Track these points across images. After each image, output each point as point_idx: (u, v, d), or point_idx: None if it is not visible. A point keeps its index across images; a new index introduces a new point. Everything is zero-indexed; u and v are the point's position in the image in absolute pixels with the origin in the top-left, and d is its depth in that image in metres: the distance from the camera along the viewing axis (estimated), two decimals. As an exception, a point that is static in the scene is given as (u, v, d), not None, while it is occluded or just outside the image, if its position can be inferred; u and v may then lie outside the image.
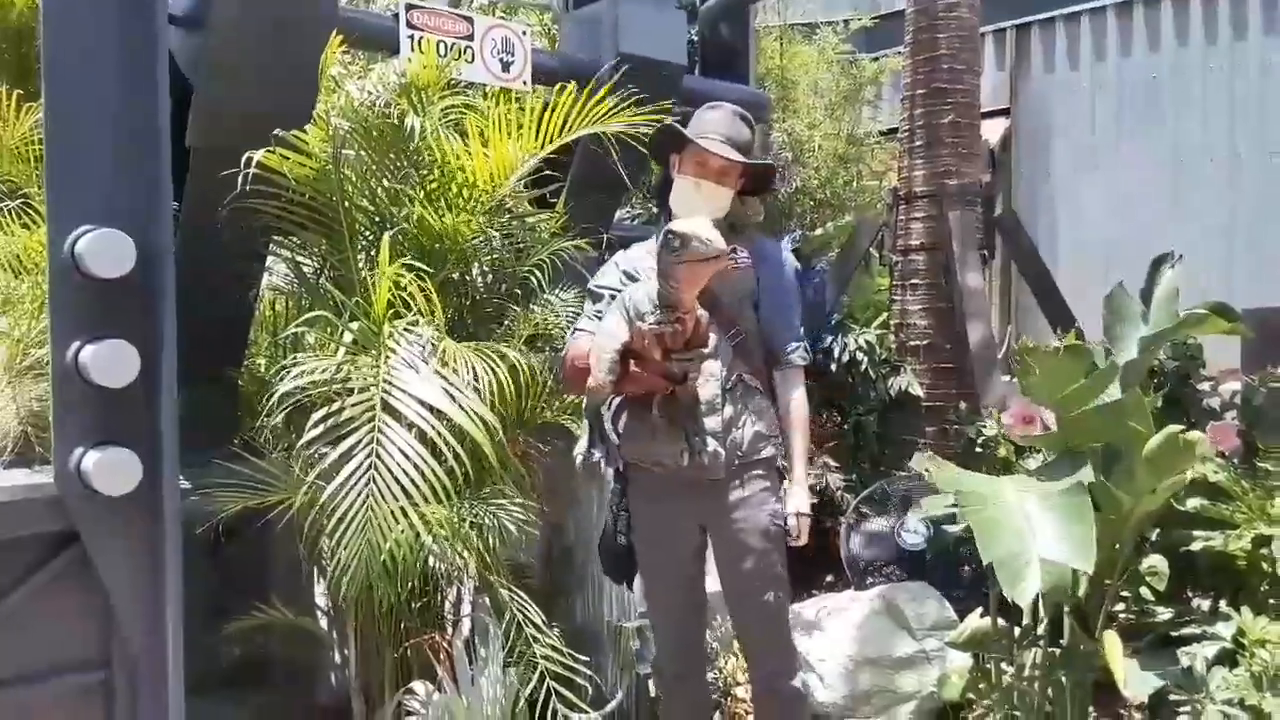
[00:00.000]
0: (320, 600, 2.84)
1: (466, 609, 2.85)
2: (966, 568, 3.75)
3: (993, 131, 7.78)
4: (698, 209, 2.47)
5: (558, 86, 2.76)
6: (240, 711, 2.70)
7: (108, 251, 1.99)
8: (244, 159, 2.34)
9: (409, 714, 2.44)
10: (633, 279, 2.49)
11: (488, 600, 2.64)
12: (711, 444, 2.40)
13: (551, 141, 2.78)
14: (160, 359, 2.09)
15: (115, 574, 2.11)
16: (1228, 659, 2.53)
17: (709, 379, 2.43)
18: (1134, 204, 7.45)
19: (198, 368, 2.40)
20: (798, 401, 2.57)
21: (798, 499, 2.52)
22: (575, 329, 2.58)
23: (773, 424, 2.56)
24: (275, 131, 2.40)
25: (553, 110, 2.73)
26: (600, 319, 2.46)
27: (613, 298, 2.44)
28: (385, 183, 2.72)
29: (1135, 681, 2.51)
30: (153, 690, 2.14)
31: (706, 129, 2.55)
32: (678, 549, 2.56)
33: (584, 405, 2.45)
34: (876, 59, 7.97)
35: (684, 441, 2.37)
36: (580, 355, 2.41)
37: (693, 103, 4.39)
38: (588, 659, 2.61)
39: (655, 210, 5.26)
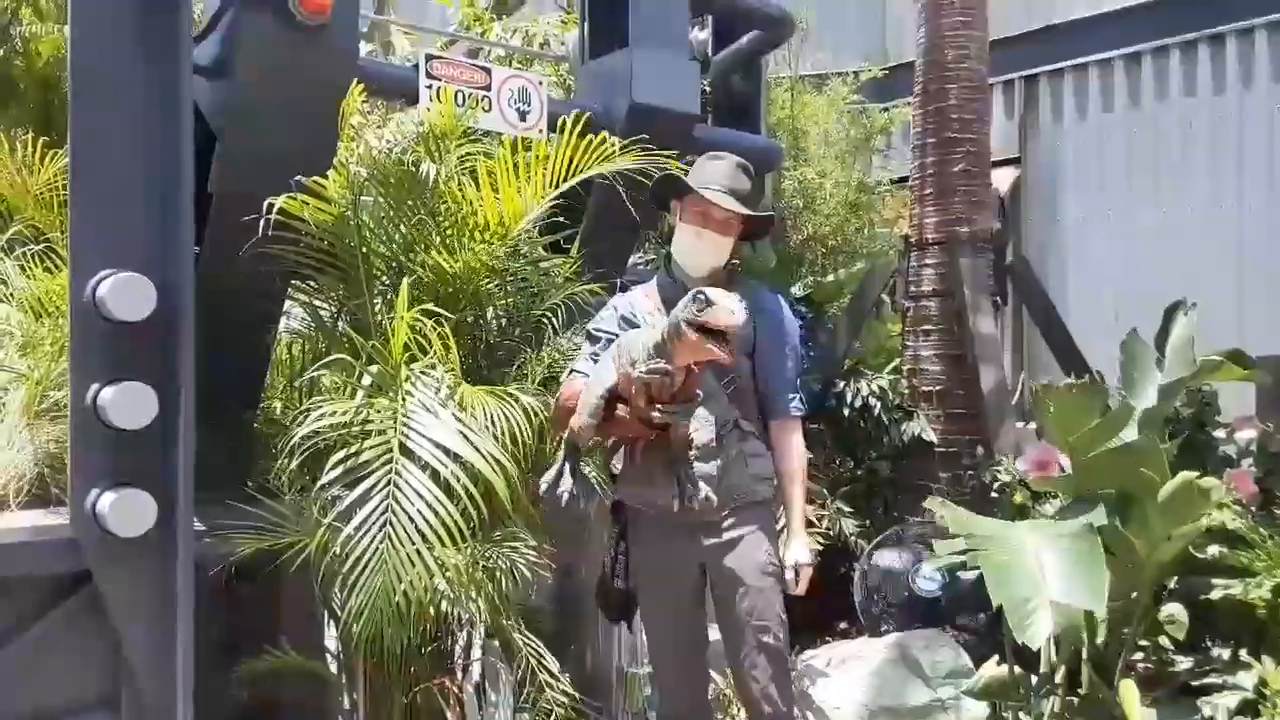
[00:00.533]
0: (330, 644, 2.83)
1: (477, 653, 2.83)
2: (981, 615, 3.71)
3: (1002, 180, 7.82)
4: (700, 256, 2.54)
5: (568, 131, 2.80)
6: (249, 756, 2.68)
7: (129, 295, 2.03)
8: (265, 204, 2.38)
9: (419, 760, 2.41)
10: (630, 323, 2.52)
11: (498, 644, 2.62)
12: (704, 489, 2.40)
13: (559, 184, 2.81)
14: (178, 401, 2.12)
15: (127, 615, 2.12)
16: (1249, 709, 2.49)
17: (704, 424, 2.45)
18: (1143, 252, 7.46)
19: (214, 410, 2.42)
20: (795, 452, 2.57)
21: (797, 550, 2.51)
22: (571, 369, 2.60)
23: (768, 467, 2.57)
24: (296, 178, 2.44)
25: (559, 153, 2.77)
26: (595, 361, 2.48)
27: (609, 341, 2.46)
28: (402, 229, 2.75)
29: (1153, 732, 2.48)
30: (162, 732, 2.14)
31: (709, 179, 2.58)
32: (677, 588, 2.55)
33: (565, 440, 2.45)
34: (886, 109, 8.05)
35: (676, 486, 2.37)
36: (572, 396, 2.44)
37: (705, 152, 4.46)
38: (599, 705, 2.58)
39: (668, 255, 5.29)
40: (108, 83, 2.11)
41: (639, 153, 2.82)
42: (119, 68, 2.11)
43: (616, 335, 2.45)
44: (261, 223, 2.37)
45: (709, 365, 2.38)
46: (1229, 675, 2.65)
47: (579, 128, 2.79)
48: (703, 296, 2.07)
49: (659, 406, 2.25)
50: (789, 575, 2.50)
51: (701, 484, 2.39)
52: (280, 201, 2.39)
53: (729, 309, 2.06)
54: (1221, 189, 7.29)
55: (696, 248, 2.55)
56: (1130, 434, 2.58)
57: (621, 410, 2.32)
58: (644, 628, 2.70)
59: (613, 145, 2.80)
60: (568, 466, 2.40)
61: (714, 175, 2.59)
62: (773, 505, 2.59)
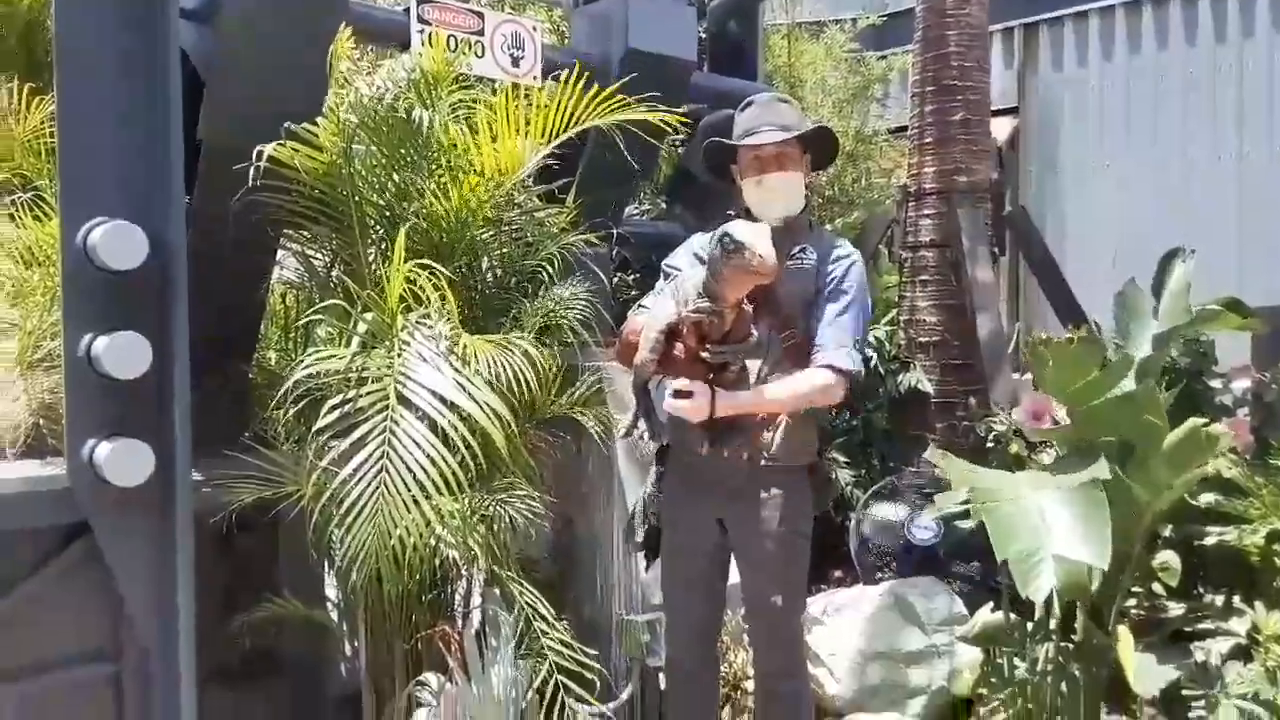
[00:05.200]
0: (331, 593, 2.85)
1: (477, 601, 2.85)
2: (976, 563, 3.74)
3: (1001, 130, 7.76)
4: (770, 205, 2.46)
5: (564, 80, 2.76)
6: (251, 703, 2.71)
7: (120, 243, 2.01)
8: (255, 152, 2.34)
9: (420, 705, 2.44)
10: (702, 261, 2.48)
11: (498, 592, 2.64)
12: (737, 440, 2.36)
13: (557, 135, 2.77)
14: (173, 351, 2.10)
15: (126, 565, 2.12)
16: (1241, 654, 2.52)
17: (751, 377, 2.40)
18: (1142, 201, 7.43)
19: (209, 360, 2.41)
20: (800, 378, 2.40)
21: (699, 389, 2.27)
22: (638, 305, 2.58)
23: (812, 436, 2.53)
24: (285, 125, 2.40)
25: (558, 103, 2.73)
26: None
27: None
28: (395, 177, 2.72)
29: (1146, 677, 2.50)
30: (164, 681, 2.15)
31: (749, 125, 2.53)
32: (696, 541, 2.56)
33: (632, 379, 2.43)
34: (884, 57, 7.96)
35: (708, 432, 2.36)
36: (635, 331, 2.40)
37: (701, 99, 4.41)
38: (596, 652, 2.61)
39: (665, 205, 5.26)
40: (94, 28, 2.06)
41: (638, 105, 2.78)
42: (104, 12, 2.06)
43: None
44: (251, 171, 2.33)
45: (769, 316, 2.36)
46: (1221, 621, 2.67)
47: (578, 78, 2.74)
48: (729, 239, 2.05)
49: (709, 346, 2.23)
50: (676, 386, 2.29)
51: (736, 435, 2.35)
52: (270, 149, 2.35)
53: (757, 252, 2.04)
54: (1222, 139, 7.24)
55: (764, 198, 2.48)
56: (1128, 383, 2.57)
57: (679, 349, 2.29)
58: (662, 570, 2.71)
59: (613, 97, 2.75)
60: (641, 409, 2.40)
61: (751, 121, 2.53)
62: (806, 472, 2.54)
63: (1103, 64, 7.86)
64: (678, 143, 5.03)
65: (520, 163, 2.75)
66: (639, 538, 2.71)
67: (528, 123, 2.74)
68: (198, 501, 2.23)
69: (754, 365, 2.39)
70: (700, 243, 2.55)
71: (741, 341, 2.26)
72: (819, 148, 2.61)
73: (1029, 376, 4.54)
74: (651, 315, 2.35)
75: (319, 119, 2.47)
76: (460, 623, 2.75)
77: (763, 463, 2.44)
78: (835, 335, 2.43)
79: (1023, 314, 7.50)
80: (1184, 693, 2.46)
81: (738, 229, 2.07)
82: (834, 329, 2.44)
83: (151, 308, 2.10)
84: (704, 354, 2.24)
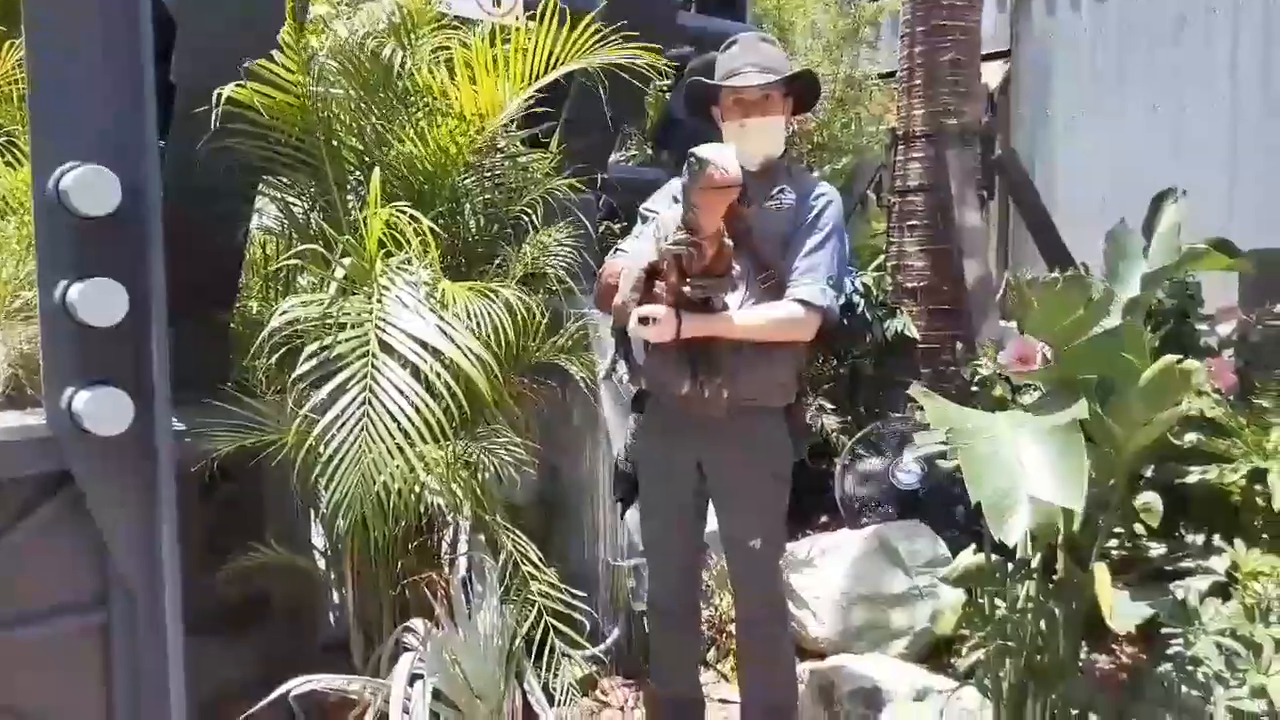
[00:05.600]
0: (317, 540, 2.86)
1: (463, 547, 2.86)
2: (960, 506, 3.77)
3: (993, 74, 7.68)
4: (752, 147, 2.43)
5: (546, 20, 2.70)
6: (240, 650, 2.72)
7: (93, 188, 1.97)
8: (215, 94, 2.29)
9: (407, 651, 2.46)
10: (678, 202, 2.46)
11: (484, 539, 2.65)
12: (717, 377, 2.35)
13: (538, 78, 2.72)
14: (149, 298, 2.07)
15: (110, 514, 2.11)
16: (1220, 592, 2.55)
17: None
18: (1134, 147, 7.39)
19: (188, 308, 2.38)
20: (773, 304, 2.40)
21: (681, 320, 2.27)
22: (616, 248, 2.56)
23: (790, 377, 2.52)
24: (243, 64, 2.35)
25: (537, 45, 2.68)
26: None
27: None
28: (373, 119, 2.67)
29: (1123, 613, 2.53)
30: (151, 630, 2.15)
31: (732, 66, 2.49)
32: (676, 486, 2.57)
33: (611, 322, 2.42)
34: (875, -1, 7.85)
35: (690, 367, 2.35)
36: (613, 274, 2.39)
37: (690, 42, 4.34)
38: (584, 595, 2.63)
39: (651, 151, 5.21)
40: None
41: (621, 45, 2.72)
42: (72, -48, 2.00)
43: None
44: (216, 114, 2.28)
45: (748, 256, 2.35)
46: (1201, 560, 2.70)
47: (560, 18, 2.68)
48: (694, 159, 2.04)
49: (689, 280, 2.23)
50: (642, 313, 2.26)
51: (717, 374, 2.34)
52: (229, 90, 2.30)
53: (720, 167, 2.02)
54: (1214, 84, 7.18)
55: (745, 140, 2.44)
56: (1112, 322, 2.56)
57: (659, 287, 2.28)
58: (641, 515, 2.72)
59: (593, 37, 2.70)
60: (620, 353, 2.41)
61: (733, 62, 2.50)
62: (785, 414, 2.53)
63: (1095, 6, 7.76)
64: (665, 88, 4.96)
65: (500, 106, 2.70)
66: (613, 486, 2.71)
67: (507, 64, 2.69)
68: (180, 450, 2.21)
69: (733, 305, 2.38)
70: (678, 186, 2.53)
71: (722, 275, 2.25)
72: (801, 91, 2.57)
73: (1015, 324, 4.55)
74: (631, 256, 2.34)
75: (275, 54, 2.40)
76: (447, 569, 2.77)
77: (742, 404, 2.42)
78: (808, 270, 2.42)
79: (1011, 259, 7.48)
80: (1164, 630, 2.49)
81: (702, 149, 2.06)
82: (806, 264, 2.43)
83: (126, 254, 2.06)
84: (685, 288, 2.23)
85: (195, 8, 2.40)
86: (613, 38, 2.72)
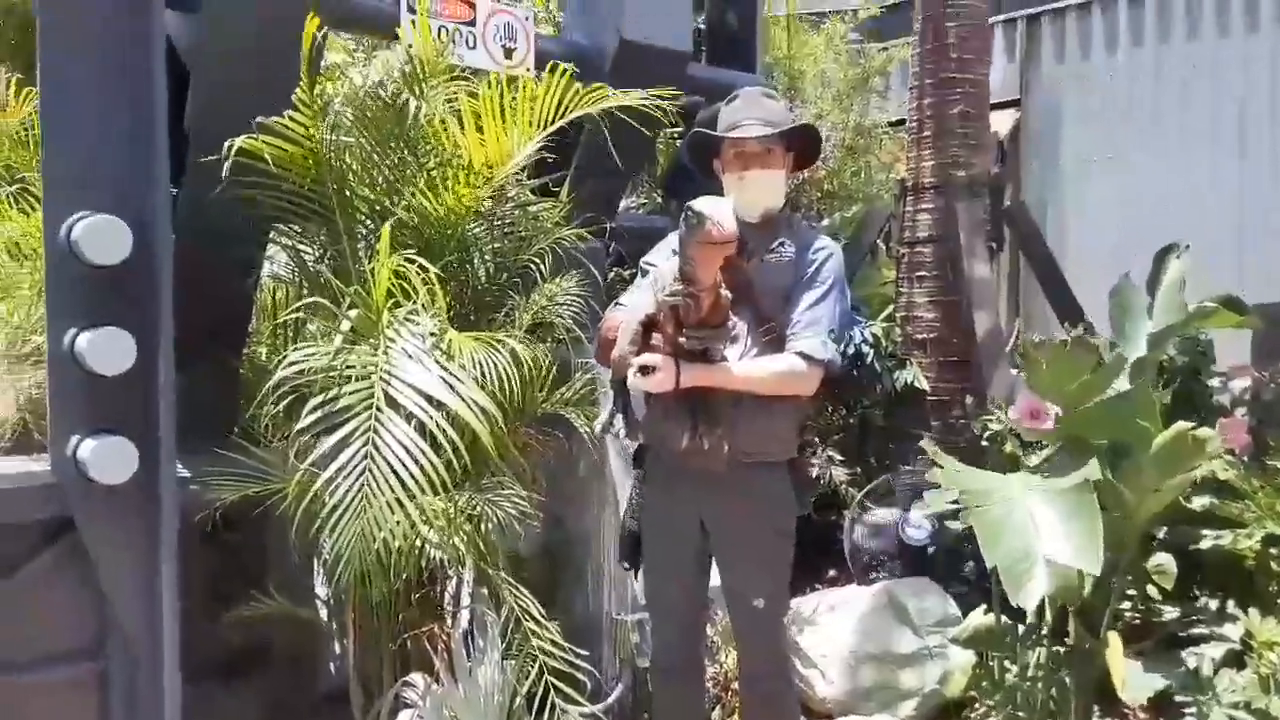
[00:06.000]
0: (320, 590, 2.83)
1: (466, 600, 2.83)
2: (970, 563, 3.72)
3: (1002, 123, 7.72)
4: (751, 200, 2.44)
5: (553, 69, 2.72)
6: (239, 701, 2.69)
7: (104, 238, 1.98)
8: (226, 145, 2.31)
9: (407, 706, 2.42)
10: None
11: (486, 591, 2.62)
12: (716, 429, 2.33)
13: (547, 125, 2.74)
14: (157, 347, 2.07)
15: (111, 562, 2.10)
16: (1235, 661, 2.50)
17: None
18: (1143, 197, 7.40)
19: (197, 356, 2.39)
20: (773, 356, 2.39)
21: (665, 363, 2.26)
22: (616, 302, 2.56)
23: (791, 431, 2.50)
24: (257, 119, 2.36)
25: (547, 92, 2.70)
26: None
27: None
28: (385, 170, 2.69)
29: (1136, 684, 2.48)
30: (149, 679, 2.13)
31: (734, 119, 2.51)
32: (678, 542, 2.54)
33: (610, 375, 2.41)
34: (885, 49, 7.90)
35: (689, 419, 2.33)
36: (612, 327, 2.39)
37: (697, 91, 4.37)
38: (587, 653, 2.59)
39: (661, 200, 5.23)
40: (77, 18, 2.03)
41: (632, 92, 2.74)
42: (90, 2, 2.03)
43: None
44: (228, 165, 2.29)
45: (748, 309, 2.35)
46: (1216, 626, 2.66)
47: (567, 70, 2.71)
48: (691, 213, 2.04)
49: (686, 331, 2.22)
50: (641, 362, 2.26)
51: (716, 428, 2.32)
52: (240, 141, 2.31)
53: (717, 222, 2.02)
54: (1223, 134, 7.20)
55: (745, 194, 2.44)
56: (1122, 384, 2.55)
57: (656, 339, 2.28)
58: (643, 572, 2.69)
59: (603, 89, 2.72)
60: (618, 407, 2.41)
61: (735, 115, 2.51)
62: (786, 469, 2.50)
63: (1106, 57, 7.81)
64: (674, 136, 4.99)
65: (508, 155, 2.71)
66: (618, 547, 2.68)
67: (515, 113, 2.70)
68: (184, 498, 2.20)
69: (733, 358, 2.37)
70: (676, 238, 2.54)
71: (719, 327, 2.24)
72: (803, 146, 2.59)
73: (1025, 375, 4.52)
74: (629, 309, 2.34)
75: (291, 111, 2.42)
76: (449, 622, 2.73)
77: (742, 458, 2.39)
78: (810, 324, 2.41)
79: (1022, 310, 7.47)
80: (1177, 699, 2.44)
81: (698, 202, 2.06)
82: (808, 317, 2.41)
83: (136, 303, 2.07)
84: (681, 339, 2.22)
85: (210, 58, 2.43)
86: (619, 87, 2.74)
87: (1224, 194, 7.10)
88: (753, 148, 2.46)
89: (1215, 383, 3.66)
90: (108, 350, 1.99)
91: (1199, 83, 7.33)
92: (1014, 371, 4.52)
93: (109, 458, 2.00)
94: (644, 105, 2.72)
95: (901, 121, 5.78)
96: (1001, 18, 7.77)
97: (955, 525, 3.55)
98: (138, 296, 2.06)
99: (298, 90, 2.32)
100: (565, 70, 2.66)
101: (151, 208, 2.07)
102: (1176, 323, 2.88)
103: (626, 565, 2.69)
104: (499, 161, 2.71)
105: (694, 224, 2.04)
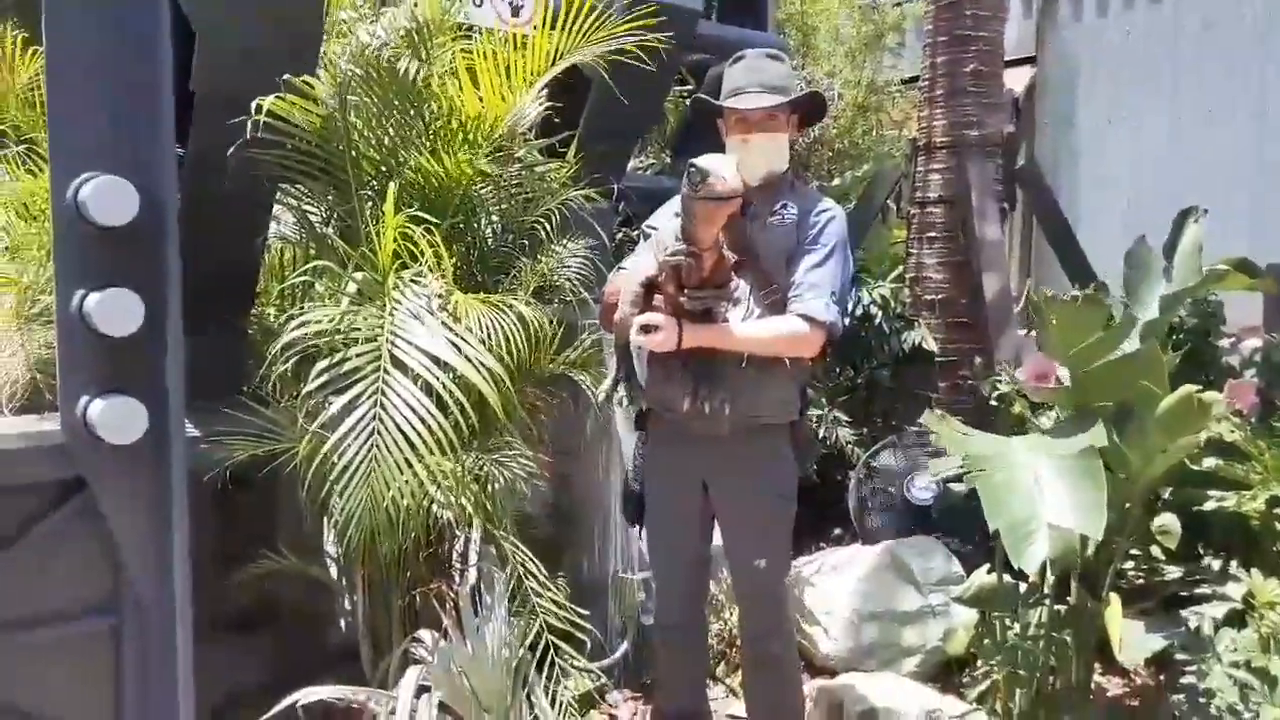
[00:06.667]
0: (330, 548, 2.86)
1: (473, 558, 2.86)
2: (975, 523, 3.74)
3: (1018, 81, 7.62)
4: (754, 164, 2.42)
5: (544, 14, 2.69)
6: (250, 655, 2.73)
7: (110, 199, 1.98)
8: (252, 105, 2.30)
9: (415, 661, 2.46)
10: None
11: (493, 550, 2.65)
12: (719, 393, 2.35)
13: (542, 74, 2.71)
14: (165, 307, 2.08)
15: (123, 521, 2.12)
16: (1236, 620, 2.52)
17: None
18: (1160, 157, 7.31)
19: (205, 316, 2.40)
20: (776, 318, 2.38)
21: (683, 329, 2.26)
22: (618, 267, 2.56)
23: (794, 394, 2.50)
24: (284, 76, 2.36)
25: (540, 39, 2.66)
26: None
27: None
28: (390, 130, 2.68)
29: (1133, 645, 2.50)
30: (161, 635, 2.17)
31: (737, 83, 2.49)
32: (680, 503, 2.56)
33: (614, 341, 2.42)
34: (899, 4, 7.80)
35: (691, 383, 2.34)
36: (614, 292, 2.40)
37: (708, 49, 4.33)
38: (589, 612, 2.62)
39: (669, 160, 5.19)
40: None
41: (624, 33, 2.70)
42: (93, -40, 2.01)
43: None
44: (250, 124, 2.29)
45: (751, 272, 2.35)
46: (1218, 586, 2.67)
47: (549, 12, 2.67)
48: (694, 169, 2.03)
49: (687, 291, 2.21)
50: (642, 321, 2.26)
51: (719, 391, 2.33)
52: (269, 103, 2.31)
53: (721, 176, 2.02)
54: (1241, 93, 7.10)
55: (747, 157, 2.41)
56: (1132, 345, 2.54)
57: (658, 300, 2.28)
58: (646, 534, 2.72)
59: (596, 27, 2.68)
60: (621, 373, 2.40)
61: (739, 79, 2.49)
62: (788, 432, 2.51)
63: (1122, 13, 7.69)
64: (683, 95, 4.95)
65: (508, 110, 2.69)
66: (622, 506, 2.70)
67: (509, 69, 2.68)
68: (194, 458, 2.23)
69: (735, 319, 2.36)
70: (679, 201, 2.52)
71: (721, 287, 2.24)
72: (808, 105, 2.57)
73: (1035, 335, 4.51)
74: (632, 270, 2.34)
75: (317, 71, 2.42)
76: (457, 580, 2.77)
77: (744, 421, 2.40)
78: (811, 285, 2.39)
79: (1034, 273, 7.43)
80: (1178, 658, 2.46)
81: (701, 160, 2.05)
82: (810, 279, 2.40)
83: (143, 263, 2.07)
84: (683, 300, 2.22)
85: (217, 18, 2.41)
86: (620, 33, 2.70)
87: (1240, 155, 7.01)
88: (756, 115, 2.44)
89: (1225, 344, 3.65)
90: (116, 311, 2.00)
91: (1216, 42, 7.21)
92: (1022, 333, 4.51)
93: (118, 417, 2.01)
94: (649, 43, 2.67)
95: (914, 79, 5.72)
96: (1018, -28, 7.65)
97: (959, 487, 3.57)
98: (145, 257, 2.06)
99: (328, 49, 2.31)
100: (565, 15, 2.63)
101: (158, 168, 2.07)
102: (1190, 285, 2.87)
103: (630, 520, 2.71)
104: (498, 118, 2.69)
105: (697, 180, 2.03)
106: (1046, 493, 2.16)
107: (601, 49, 2.69)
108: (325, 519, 2.69)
